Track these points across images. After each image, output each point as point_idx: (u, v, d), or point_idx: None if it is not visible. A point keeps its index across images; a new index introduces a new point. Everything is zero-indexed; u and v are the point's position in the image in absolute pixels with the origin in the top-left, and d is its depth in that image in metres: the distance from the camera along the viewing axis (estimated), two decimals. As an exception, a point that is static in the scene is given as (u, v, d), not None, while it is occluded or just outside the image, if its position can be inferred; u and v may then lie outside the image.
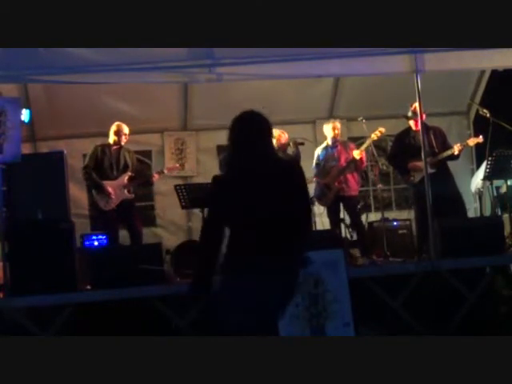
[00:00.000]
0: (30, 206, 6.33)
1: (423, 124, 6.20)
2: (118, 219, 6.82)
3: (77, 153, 8.20)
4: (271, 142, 3.51)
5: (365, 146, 6.82)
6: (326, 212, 7.38)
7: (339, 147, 7.02)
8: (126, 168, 6.85)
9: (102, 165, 6.76)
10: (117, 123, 6.87)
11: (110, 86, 6.73)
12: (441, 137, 6.82)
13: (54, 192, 6.69)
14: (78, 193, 8.16)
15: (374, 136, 6.74)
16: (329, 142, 7.10)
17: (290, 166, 3.52)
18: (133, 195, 6.89)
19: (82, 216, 8.06)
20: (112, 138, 6.83)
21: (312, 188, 7.29)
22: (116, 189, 6.70)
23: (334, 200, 6.95)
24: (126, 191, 6.78)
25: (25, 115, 6.59)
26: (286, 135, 7.07)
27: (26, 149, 7.37)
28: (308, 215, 3.49)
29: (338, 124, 7.07)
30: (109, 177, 6.74)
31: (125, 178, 6.79)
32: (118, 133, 6.80)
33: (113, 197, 6.66)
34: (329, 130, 7.07)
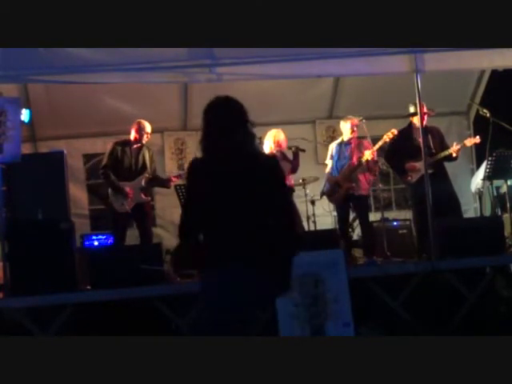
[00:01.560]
0: (30, 206, 6.32)
1: (423, 124, 6.20)
2: (129, 221, 6.64)
3: (77, 153, 8.22)
4: (249, 131, 3.35)
5: (377, 146, 6.76)
6: (332, 210, 7.39)
7: (353, 145, 6.88)
8: (143, 169, 6.63)
9: (121, 165, 6.54)
10: (138, 120, 6.65)
11: (110, 85, 6.72)
12: (439, 137, 6.80)
13: (54, 192, 6.67)
14: (78, 193, 8.17)
15: (387, 137, 6.68)
16: (344, 138, 6.99)
17: (270, 163, 3.33)
18: (149, 198, 6.69)
19: (82, 216, 8.08)
20: (133, 136, 6.60)
21: (321, 184, 7.28)
22: (132, 191, 6.50)
23: (343, 198, 6.91)
24: (142, 194, 6.58)
25: (25, 115, 6.57)
26: (283, 135, 7.02)
27: (26, 149, 7.38)
28: (290, 217, 3.31)
29: (356, 121, 6.86)
30: (127, 178, 6.53)
31: (142, 180, 6.58)
32: (139, 130, 6.57)
33: (129, 198, 6.47)
34: (346, 127, 6.90)
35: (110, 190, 6.57)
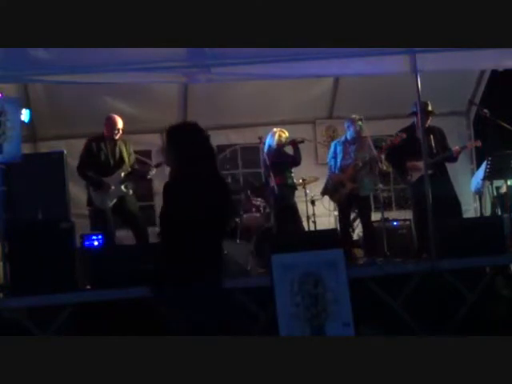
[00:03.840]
0: (30, 206, 6.32)
1: (424, 124, 6.19)
2: (114, 217, 6.60)
3: (77, 153, 8.19)
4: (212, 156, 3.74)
5: (384, 149, 6.76)
6: (333, 209, 7.40)
7: (357, 145, 6.88)
8: (121, 163, 6.60)
9: (98, 160, 6.52)
10: (108, 115, 6.59)
11: (110, 85, 6.72)
12: (440, 137, 6.79)
13: (54, 192, 6.67)
14: (78, 193, 8.15)
15: (395, 141, 6.66)
16: (348, 137, 6.97)
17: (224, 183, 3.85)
18: (130, 191, 6.64)
19: (81, 216, 8.05)
20: (105, 132, 6.57)
21: (322, 183, 7.27)
22: (112, 185, 6.48)
23: (347, 198, 6.90)
24: (122, 187, 6.56)
25: (25, 115, 6.58)
26: (286, 133, 7.07)
27: (26, 149, 7.37)
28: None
29: (360, 122, 6.81)
30: (104, 173, 6.50)
31: (121, 173, 6.56)
32: (109, 127, 6.52)
33: (110, 193, 6.45)
34: (351, 127, 6.89)
35: (90, 189, 6.57)
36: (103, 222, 6.64)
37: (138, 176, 6.83)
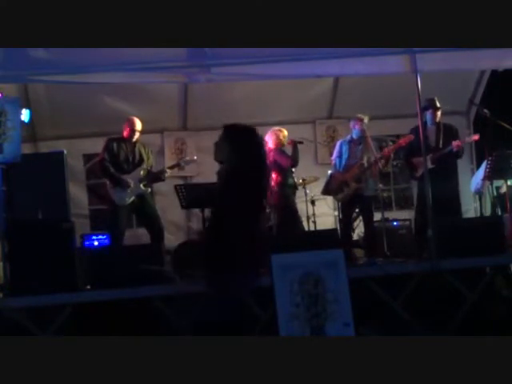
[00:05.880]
0: (30, 206, 6.31)
1: (423, 123, 6.19)
2: (129, 216, 6.72)
3: (77, 153, 8.23)
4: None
5: (392, 148, 6.77)
6: (333, 209, 7.38)
7: (363, 145, 6.87)
8: (141, 162, 6.75)
9: (118, 159, 6.66)
10: (128, 117, 6.77)
11: (110, 85, 6.73)
12: (450, 134, 6.81)
13: (54, 192, 6.66)
14: (78, 193, 8.18)
15: (403, 142, 6.68)
16: (354, 136, 6.97)
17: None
18: (149, 189, 6.78)
19: (81, 216, 8.08)
20: (125, 133, 6.73)
21: (322, 183, 7.26)
22: (130, 183, 6.60)
23: (350, 198, 6.90)
24: (141, 185, 6.68)
25: (25, 115, 6.58)
26: (285, 132, 7.06)
27: (26, 149, 7.38)
28: None
29: (366, 121, 6.83)
30: (124, 171, 6.65)
31: (140, 171, 6.70)
32: (130, 128, 6.68)
33: (129, 190, 6.57)
34: (357, 126, 6.89)
35: (108, 184, 6.66)
36: (116, 220, 6.69)
37: (154, 177, 6.92)
